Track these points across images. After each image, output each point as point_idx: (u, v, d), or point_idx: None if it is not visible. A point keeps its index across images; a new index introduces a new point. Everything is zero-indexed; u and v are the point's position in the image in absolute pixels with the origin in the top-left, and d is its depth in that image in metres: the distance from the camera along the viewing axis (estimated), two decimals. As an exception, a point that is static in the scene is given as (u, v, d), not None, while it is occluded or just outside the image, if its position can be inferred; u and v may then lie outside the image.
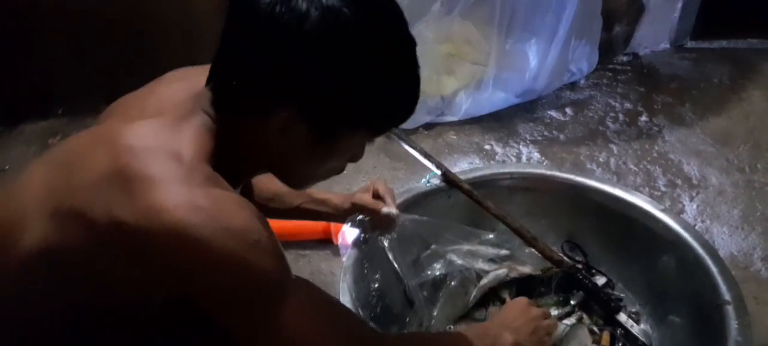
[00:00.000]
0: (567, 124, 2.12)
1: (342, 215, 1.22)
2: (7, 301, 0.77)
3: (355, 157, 0.88)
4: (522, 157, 1.98)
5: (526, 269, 1.35)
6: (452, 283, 1.30)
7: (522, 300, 1.10)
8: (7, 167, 2.04)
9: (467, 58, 2.08)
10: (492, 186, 1.42)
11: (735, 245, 1.61)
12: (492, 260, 1.35)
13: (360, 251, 1.25)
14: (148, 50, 2.14)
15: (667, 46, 2.58)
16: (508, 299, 1.31)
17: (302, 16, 0.70)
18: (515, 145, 2.03)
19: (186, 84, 0.82)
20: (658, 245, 1.31)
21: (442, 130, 2.07)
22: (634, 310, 1.31)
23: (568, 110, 2.19)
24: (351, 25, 0.72)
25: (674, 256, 1.28)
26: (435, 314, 1.26)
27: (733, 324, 1.08)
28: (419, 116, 2.02)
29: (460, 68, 2.07)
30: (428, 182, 1.35)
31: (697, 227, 1.46)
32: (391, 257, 1.25)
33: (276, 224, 1.42)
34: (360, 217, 1.22)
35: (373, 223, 1.22)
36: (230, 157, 0.78)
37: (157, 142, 0.73)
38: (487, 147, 2.02)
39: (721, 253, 1.34)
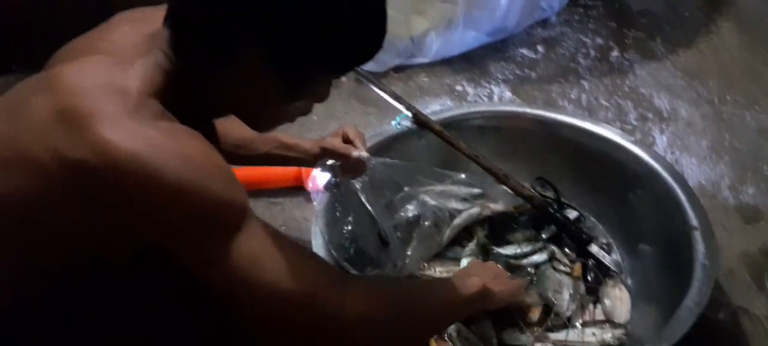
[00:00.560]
0: (538, 62, 2.11)
1: (312, 160, 1.21)
2: None
3: (322, 96, 0.85)
4: (494, 97, 1.97)
5: (499, 207, 1.36)
6: (426, 223, 1.30)
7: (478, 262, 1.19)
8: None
9: (436, -3, 2.04)
10: (463, 126, 1.41)
11: (703, 175, 1.64)
12: (465, 199, 1.36)
13: (332, 195, 1.24)
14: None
15: (639, -20, 2.56)
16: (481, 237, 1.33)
17: None
18: (487, 85, 2.01)
19: (139, 25, 0.79)
20: (629, 176, 1.32)
21: (412, 72, 2.04)
22: (605, 241, 1.32)
23: (539, 48, 2.16)
24: None
25: (645, 187, 1.29)
26: (409, 253, 1.27)
27: (700, 249, 1.11)
28: (389, 59, 1.98)
29: (429, 7, 2.03)
30: (399, 124, 1.33)
31: (667, 159, 1.47)
32: (364, 199, 1.24)
33: (246, 172, 1.43)
34: (330, 161, 1.21)
35: (344, 168, 1.21)
36: (189, 100, 0.76)
37: (102, 80, 0.71)
38: (458, 88, 2.00)
39: (690, 183, 1.35)
